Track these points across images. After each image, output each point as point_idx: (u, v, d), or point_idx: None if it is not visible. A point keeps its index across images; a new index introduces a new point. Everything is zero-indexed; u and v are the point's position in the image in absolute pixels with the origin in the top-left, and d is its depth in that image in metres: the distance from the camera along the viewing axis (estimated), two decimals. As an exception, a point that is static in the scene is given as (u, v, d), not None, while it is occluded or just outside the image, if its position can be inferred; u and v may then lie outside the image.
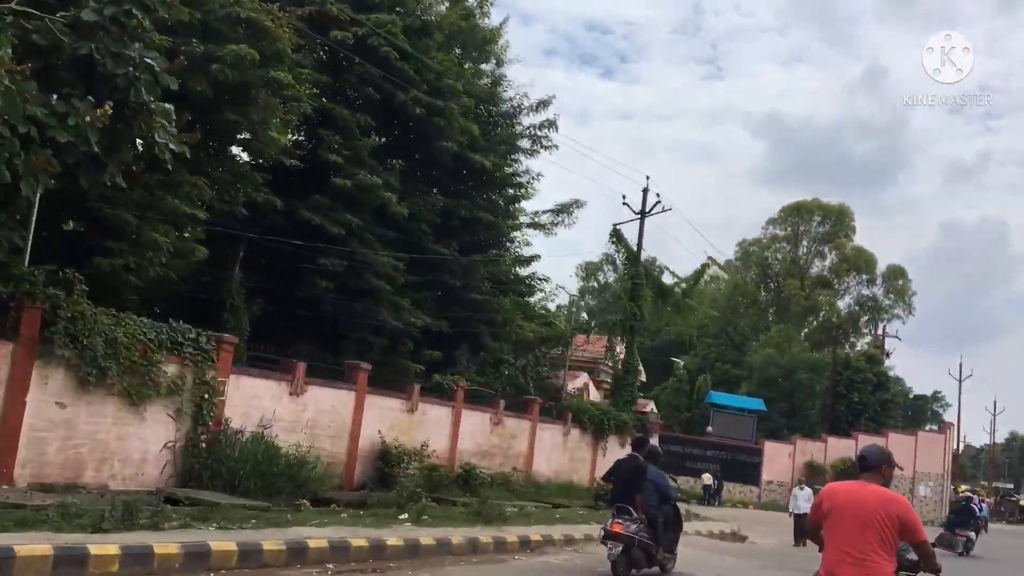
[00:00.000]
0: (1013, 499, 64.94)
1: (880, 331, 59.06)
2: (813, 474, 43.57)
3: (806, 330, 64.67)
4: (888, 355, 54.66)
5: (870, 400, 49.36)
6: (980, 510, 28.38)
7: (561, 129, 38.91)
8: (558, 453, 28.64)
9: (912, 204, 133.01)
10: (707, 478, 41.48)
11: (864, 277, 67.12)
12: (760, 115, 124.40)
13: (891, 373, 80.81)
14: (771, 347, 60.74)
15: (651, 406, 43.55)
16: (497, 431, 24.71)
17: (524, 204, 32.48)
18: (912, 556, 6.10)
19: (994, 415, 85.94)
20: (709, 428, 46.83)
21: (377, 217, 23.90)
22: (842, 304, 67.60)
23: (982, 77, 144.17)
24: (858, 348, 58.11)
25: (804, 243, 67.93)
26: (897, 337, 60.86)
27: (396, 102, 24.38)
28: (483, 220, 27.67)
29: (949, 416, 77.18)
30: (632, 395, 34.35)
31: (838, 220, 66.94)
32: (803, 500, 23.11)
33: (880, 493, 5.34)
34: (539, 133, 30.40)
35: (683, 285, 36.69)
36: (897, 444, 45.24)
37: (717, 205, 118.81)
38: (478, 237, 28.97)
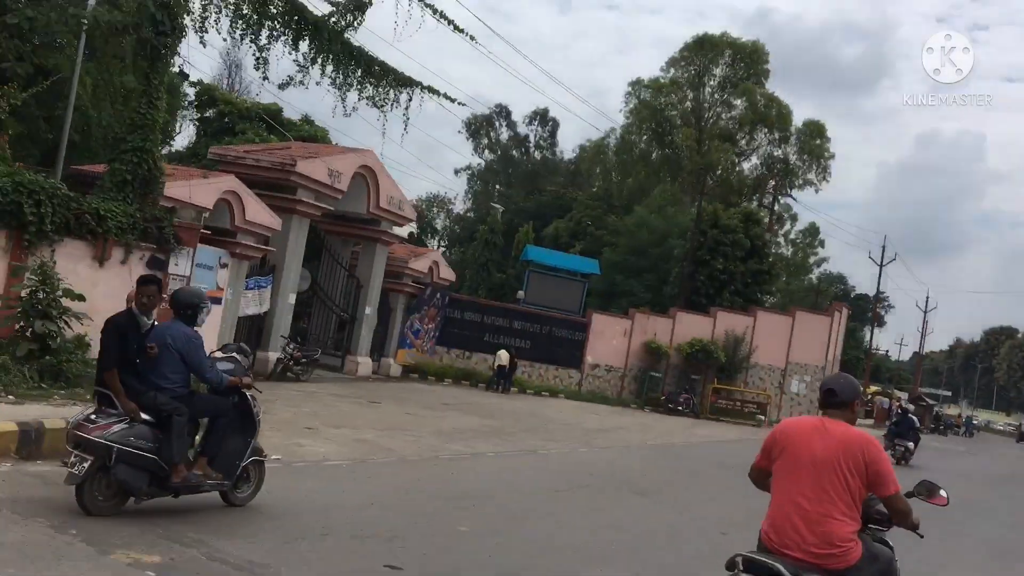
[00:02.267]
0: (925, 404, 55.97)
1: (775, 190, 48.11)
2: (652, 358, 33.24)
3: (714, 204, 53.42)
4: (779, 220, 43.98)
5: (738, 269, 38.71)
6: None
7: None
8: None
9: (891, 114, 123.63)
10: (503, 356, 30.90)
11: (776, 135, 55.80)
12: (748, 11, 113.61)
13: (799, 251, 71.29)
14: (652, 210, 49.84)
15: (436, 256, 32.52)
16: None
17: None
18: (883, 508, 4.73)
19: (925, 312, 76.57)
20: (520, 293, 36.10)
21: None
22: (748, 166, 56.48)
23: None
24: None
25: (708, 88, 56.13)
26: (792, 197, 50.21)
27: None
28: None
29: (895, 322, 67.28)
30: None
31: (750, 60, 55.11)
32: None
33: (848, 433, 4.50)
34: None
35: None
36: (766, 325, 34.94)
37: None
38: None
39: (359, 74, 18.52)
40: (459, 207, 77.81)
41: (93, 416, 7.23)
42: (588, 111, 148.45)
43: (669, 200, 51.09)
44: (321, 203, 24.26)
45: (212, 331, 20.58)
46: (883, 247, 57.49)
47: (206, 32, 15.06)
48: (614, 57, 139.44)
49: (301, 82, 17.52)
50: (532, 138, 76.87)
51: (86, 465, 6.97)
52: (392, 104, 19.53)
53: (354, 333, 27.82)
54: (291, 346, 22.51)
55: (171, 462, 7.29)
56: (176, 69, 34.88)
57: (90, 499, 7.03)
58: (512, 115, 76.30)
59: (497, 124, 76.83)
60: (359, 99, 18.88)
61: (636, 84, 56.66)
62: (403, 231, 35.46)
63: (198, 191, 18.96)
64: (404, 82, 19.57)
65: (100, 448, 7.01)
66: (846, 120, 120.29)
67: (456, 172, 75.40)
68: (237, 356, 8.26)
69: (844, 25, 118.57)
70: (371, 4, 16.96)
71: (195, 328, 7.76)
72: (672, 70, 56.70)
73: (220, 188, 19.67)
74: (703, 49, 54.33)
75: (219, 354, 8.23)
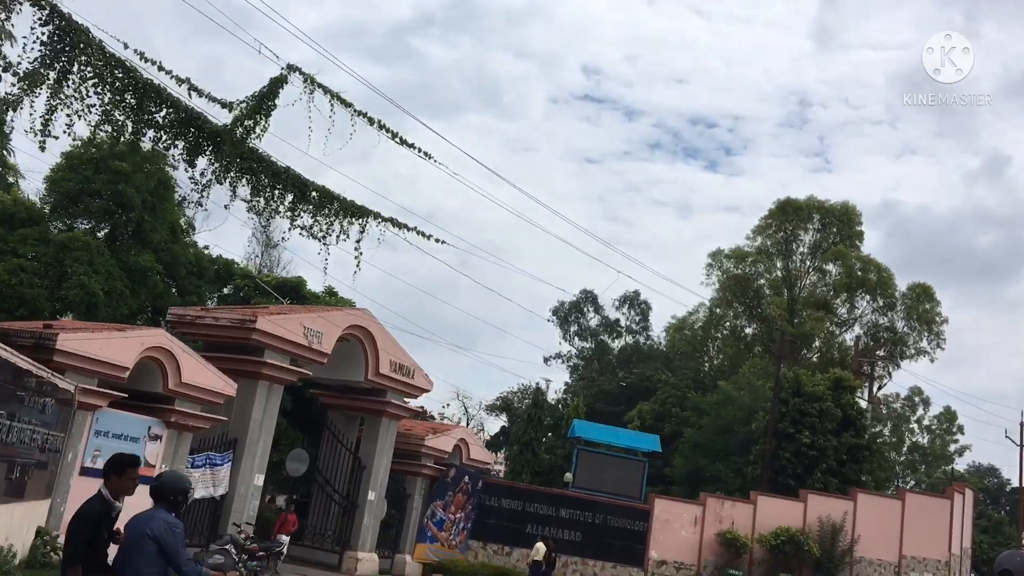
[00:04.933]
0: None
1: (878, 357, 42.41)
2: (729, 552, 27.83)
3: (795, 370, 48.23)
4: (876, 385, 38.33)
5: (830, 444, 33.06)
6: None
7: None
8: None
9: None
10: (539, 549, 26.11)
11: (880, 301, 50.61)
12: (872, 206, 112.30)
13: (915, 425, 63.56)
14: (740, 387, 44.91)
15: (464, 434, 28.61)
16: None
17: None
18: None
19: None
20: (568, 476, 31.48)
21: None
22: (850, 336, 51.09)
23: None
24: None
25: (798, 256, 51.95)
26: (896, 365, 44.21)
27: None
28: None
29: None
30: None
31: (842, 224, 50.99)
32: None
33: None
34: None
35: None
36: (871, 511, 29.32)
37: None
38: None
39: (289, 200, 15.76)
40: (552, 396, 73.99)
41: None
42: (679, 291, 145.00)
43: (760, 375, 46.03)
44: (299, 367, 21.18)
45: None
46: (1022, 424, 50.09)
47: (49, 136, 12.65)
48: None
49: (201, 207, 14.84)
50: (623, 322, 73.51)
51: None
52: (338, 237, 16.58)
53: (354, 523, 23.86)
54: (240, 535, 18.72)
55: None
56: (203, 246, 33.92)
57: None
58: (599, 299, 73.48)
59: (585, 310, 74.06)
60: (291, 228, 16.03)
61: (716, 255, 53.09)
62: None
63: (111, 347, 16.15)
64: (353, 211, 16.69)
65: None
66: (990, 310, 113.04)
67: (546, 360, 71.85)
68: (229, 548, 8.41)
69: (976, 212, 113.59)
70: (275, 106, 14.44)
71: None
72: (759, 238, 53.03)
73: (143, 344, 16.83)
74: (787, 215, 50.64)
75: (214, 546, 8.29)
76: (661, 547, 29.29)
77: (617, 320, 74.04)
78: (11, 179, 33.21)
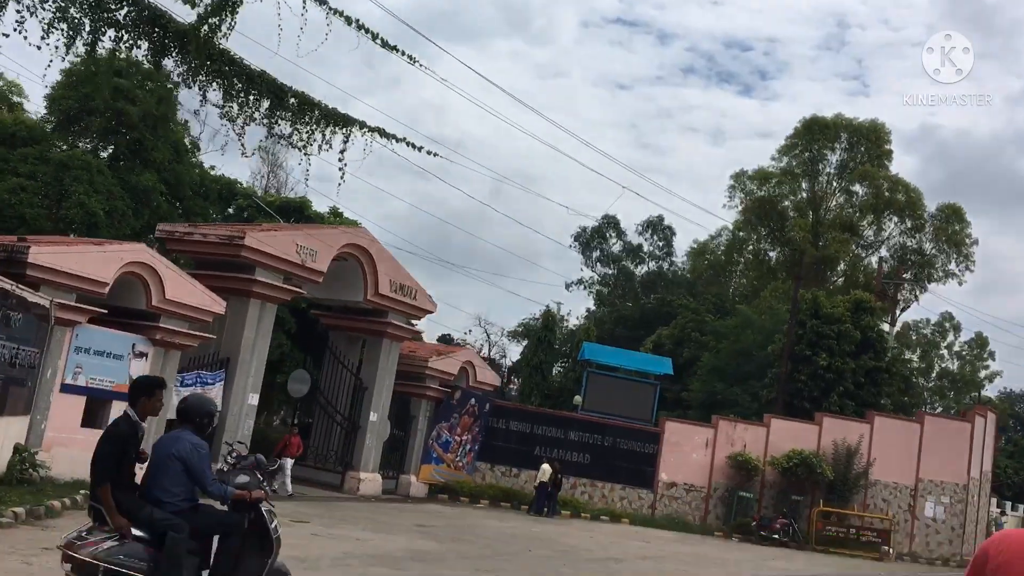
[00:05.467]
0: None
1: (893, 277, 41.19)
2: (741, 475, 27.47)
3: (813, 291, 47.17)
4: (901, 308, 37.30)
5: (848, 367, 32.24)
6: None
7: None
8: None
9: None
10: (545, 471, 25.87)
11: (908, 223, 49.16)
12: (910, 130, 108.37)
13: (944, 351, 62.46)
14: (761, 311, 44.04)
15: (470, 356, 28.23)
16: None
17: None
18: None
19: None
20: (577, 399, 31.04)
21: None
22: (876, 259, 49.76)
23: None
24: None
25: (824, 176, 50.38)
26: (924, 290, 42.85)
27: None
28: None
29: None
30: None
31: (871, 143, 49.30)
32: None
33: None
34: None
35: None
36: (888, 434, 28.79)
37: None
38: None
39: (265, 107, 15.01)
40: (574, 323, 73.50)
41: (85, 533, 6.69)
42: (705, 217, 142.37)
43: (782, 299, 45.04)
44: (294, 286, 20.69)
45: (125, 435, 16.93)
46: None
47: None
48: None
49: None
50: (646, 248, 72.38)
51: None
52: (320, 147, 15.86)
53: (356, 444, 23.63)
54: (233, 456, 18.47)
55: None
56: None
57: None
58: (620, 225, 72.26)
59: (607, 235, 72.97)
60: (268, 137, 15.35)
61: (739, 177, 51.67)
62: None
63: (88, 261, 15.69)
64: (335, 119, 15.93)
65: (87, 567, 6.51)
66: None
67: (568, 287, 71.11)
68: (254, 468, 7.79)
69: (1018, 136, 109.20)
70: (241, 2, 13.59)
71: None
72: (784, 159, 51.44)
73: (122, 259, 16.35)
74: (813, 134, 48.97)
75: (226, 463, 8.03)
76: (671, 469, 28.93)
77: (640, 245, 73.01)
78: (15, 98, 32.69)
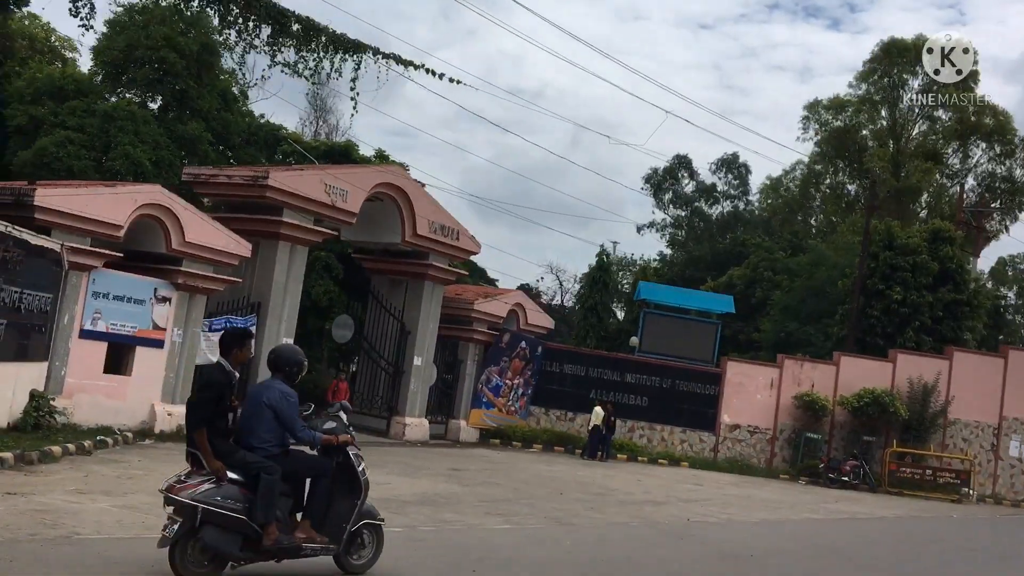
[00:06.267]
0: None
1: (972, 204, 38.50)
2: (808, 416, 26.30)
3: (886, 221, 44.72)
4: (986, 237, 34.87)
5: (924, 300, 30.25)
6: None
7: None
8: None
9: None
10: (597, 414, 25.07)
11: (997, 149, 46.06)
12: (1011, 60, 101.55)
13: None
14: (838, 246, 41.97)
15: (520, 299, 27.43)
16: None
17: None
18: None
19: None
20: (633, 340, 29.99)
21: None
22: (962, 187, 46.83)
23: None
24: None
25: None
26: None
27: None
28: None
29: None
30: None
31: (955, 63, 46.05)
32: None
33: None
34: None
35: None
36: (968, 370, 27.12)
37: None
38: None
39: (267, 34, 14.31)
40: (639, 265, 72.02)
41: (184, 477, 6.99)
42: (777, 151, 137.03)
43: (860, 233, 42.75)
44: (324, 228, 20.13)
45: (153, 380, 16.79)
46: None
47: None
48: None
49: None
50: (720, 187, 70.08)
51: (176, 527, 6.79)
52: (329, 76, 15.13)
53: (401, 389, 23.17)
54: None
55: (261, 523, 6.96)
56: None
57: (183, 563, 6.80)
58: (693, 164, 70.04)
59: (679, 176, 70.87)
60: (271, 65, 14.65)
61: (814, 107, 49.09)
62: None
63: (98, 203, 15.32)
64: (345, 45, 15.14)
65: (187, 509, 6.78)
66: None
67: (639, 230, 69.46)
68: (341, 414, 7.85)
69: None
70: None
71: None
72: (863, 85, 48.60)
73: (136, 200, 15.96)
74: (892, 58, 46.00)
75: (309, 414, 7.79)
76: (734, 411, 27.76)
77: (713, 185, 70.78)
78: (68, 54, 32.81)
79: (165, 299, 16.88)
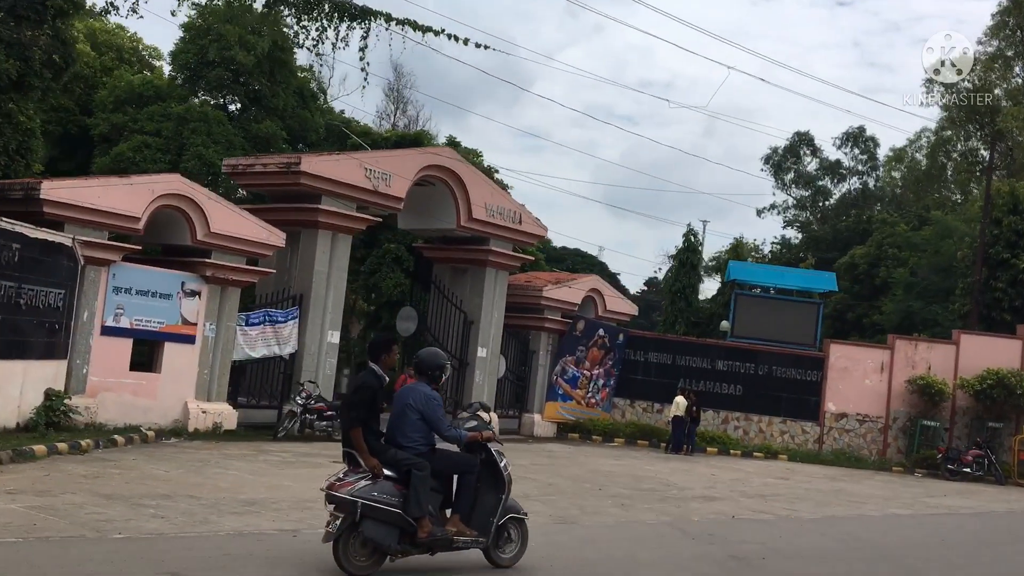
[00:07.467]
0: None
1: None
2: (924, 402, 23.84)
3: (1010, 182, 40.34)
4: None
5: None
6: None
7: None
8: None
9: None
10: (679, 404, 23.34)
11: None
12: None
13: None
14: (968, 217, 38.29)
15: (596, 284, 25.87)
16: None
17: None
18: None
19: None
20: (724, 324, 27.85)
21: None
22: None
23: None
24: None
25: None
26: None
27: None
28: None
29: None
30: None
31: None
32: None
33: None
34: None
35: None
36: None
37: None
38: None
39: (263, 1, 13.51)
40: (766, 252, 68.57)
41: (343, 475, 7.44)
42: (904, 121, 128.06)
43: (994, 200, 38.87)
44: (369, 215, 19.29)
45: (185, 377, 16.30)
46: None
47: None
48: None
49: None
50: (846, 163, 65.94)
51: (338, 523, 7.22)
52: (334, 45, 14.20)
53: (466, 382, 22.11)
54: (303, 396, 17.38)
55: (415, 516, 7.34)
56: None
57: (346, 557, 7.22)
58: (815, 141, 66.17)
59: (801, 154, 67.11)
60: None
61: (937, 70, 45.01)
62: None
63: (112, 195, 14.90)
64: (351, 13, 14.18)
65: (348, 504, 7.20)
66: None
67: (759, 213, 66.25)
68: (481, 413, 8.30)
69: None
70: None
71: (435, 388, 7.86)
72: (994, 42, 44.26)
73: (154, 191, 15.47)
74: (1021, 9, 41.59)
75: (465, 414, 8.43)
76: (840, 398, 25.34)
77: (838, 161, 66.70)
78: (155, 62, 33.39)
79: (194, 293, 16.37)
